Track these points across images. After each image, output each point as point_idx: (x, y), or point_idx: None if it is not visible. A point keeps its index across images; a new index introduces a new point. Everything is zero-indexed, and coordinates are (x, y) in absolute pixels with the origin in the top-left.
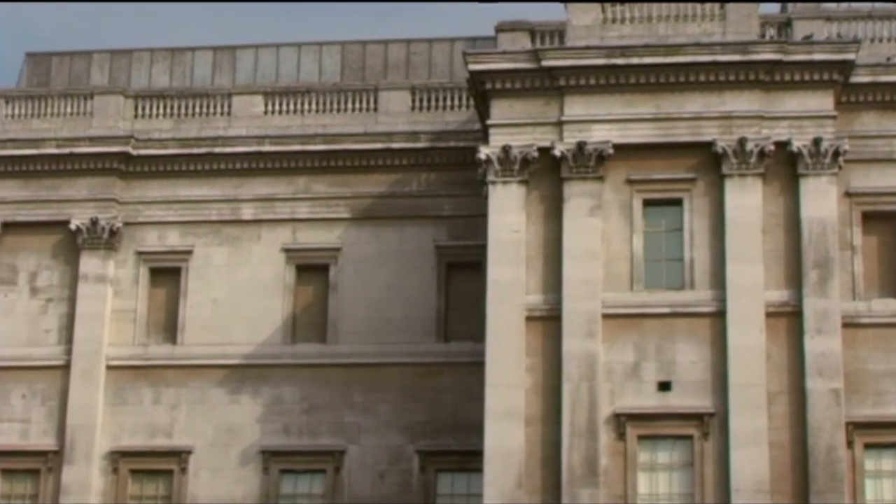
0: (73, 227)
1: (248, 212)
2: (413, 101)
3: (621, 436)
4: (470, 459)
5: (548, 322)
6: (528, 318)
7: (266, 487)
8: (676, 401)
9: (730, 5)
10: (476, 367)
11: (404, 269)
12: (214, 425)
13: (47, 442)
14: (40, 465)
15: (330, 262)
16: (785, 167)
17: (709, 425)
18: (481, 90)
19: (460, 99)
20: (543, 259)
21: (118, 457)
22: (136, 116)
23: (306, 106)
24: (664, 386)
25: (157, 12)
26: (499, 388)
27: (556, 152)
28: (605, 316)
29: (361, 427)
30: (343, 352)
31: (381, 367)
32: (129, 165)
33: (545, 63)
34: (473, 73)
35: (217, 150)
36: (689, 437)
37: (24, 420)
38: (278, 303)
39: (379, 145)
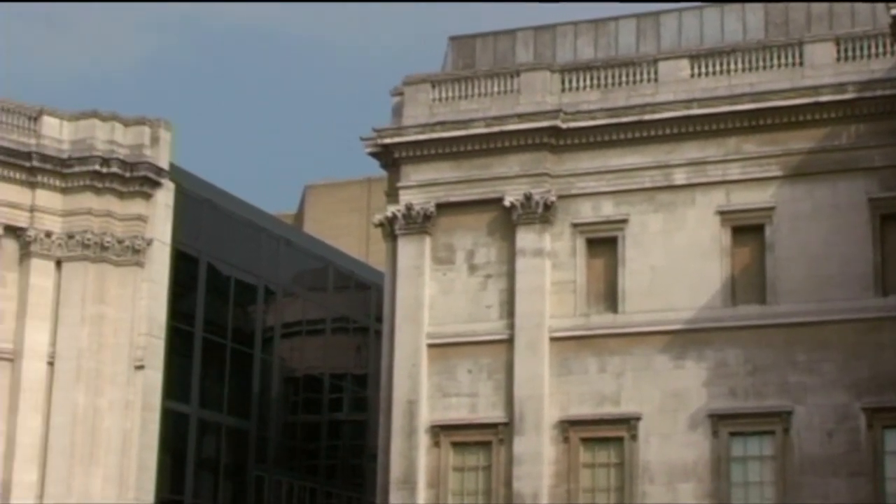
0: (507, 203)
1: (680, 176)
2: (838, 52)
3: None
4: None
5: None
6: None
7: (717, 451)
8: None
9: None
10: None
11: (838, 224)
12: (661, 391)
13: (496, 414)
14: (491, 437)
15: (765, 222)
16: None
17: None
18: None
19: (885, 46)
20: None
21: (567, 426)
22: (563, 90)
23: (732, 66)
24: None
25: None
26: None
27: None
28: None
29: (807, 387)
30: (784, 311)
31: (822, 325)
32: (558, 139)
33: None
34: None
35: (646, 117)
36: None
37: (471, 394)
38: (716, 266)
39: (807, 100)
